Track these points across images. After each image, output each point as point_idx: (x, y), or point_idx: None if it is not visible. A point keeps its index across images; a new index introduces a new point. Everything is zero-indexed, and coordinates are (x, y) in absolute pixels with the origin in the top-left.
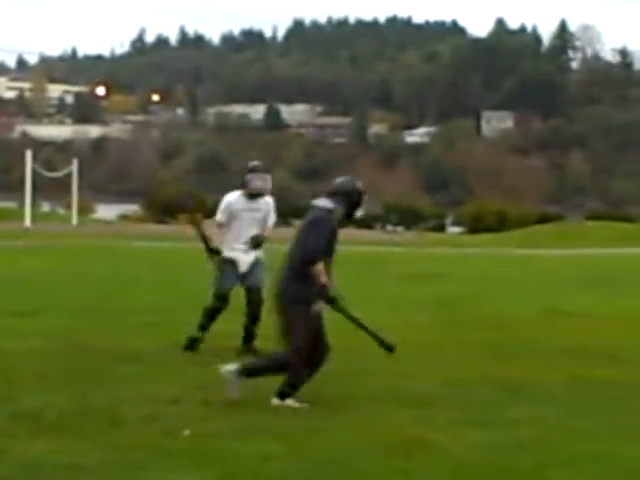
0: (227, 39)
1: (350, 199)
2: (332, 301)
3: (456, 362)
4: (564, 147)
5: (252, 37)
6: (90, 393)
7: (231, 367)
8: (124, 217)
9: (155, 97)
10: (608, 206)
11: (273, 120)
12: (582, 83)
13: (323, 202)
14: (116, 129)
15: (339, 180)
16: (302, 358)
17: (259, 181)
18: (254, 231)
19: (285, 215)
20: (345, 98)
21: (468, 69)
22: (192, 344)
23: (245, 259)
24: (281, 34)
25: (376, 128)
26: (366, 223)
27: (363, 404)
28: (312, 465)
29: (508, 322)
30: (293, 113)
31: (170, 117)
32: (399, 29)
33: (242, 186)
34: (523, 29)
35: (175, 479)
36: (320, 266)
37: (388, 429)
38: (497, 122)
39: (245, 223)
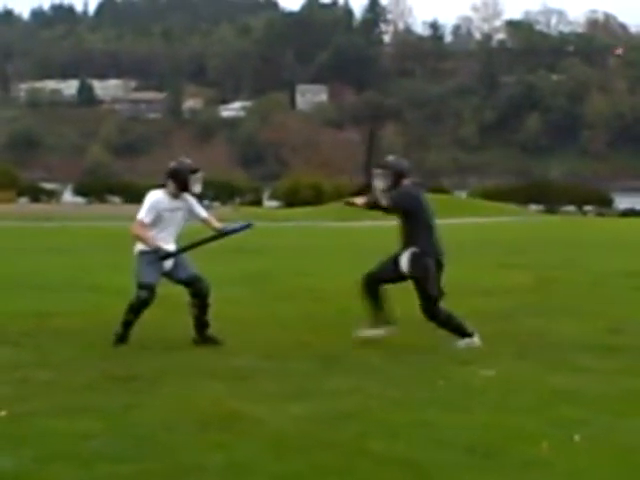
0: (37, 14)
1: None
2: None
3: (273, 335)
4: (378, 120)
5: (62, 12)
6: None
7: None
8: None
9: None
10: (423, 178)
11: (86, 96)
12: (394, 56)
13: None
14: None
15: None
16: None
17: (199, 184)
18: (173, 231)
19: (101, 192)
20: (159, 73)
21: (281, 43)
22: (121, 340)
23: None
24: (92, 9)
25: (191, 103)
26: None
27: (180, 379)
28: (131, 442)
29: (324, 294)
30: (106, 88)
31: None
32: (212, 3)
33: (171, 183)
34: (335, 3)
35: None
36: None
37: (205, 403)
38: (312, 96)
39: (167, 223)
